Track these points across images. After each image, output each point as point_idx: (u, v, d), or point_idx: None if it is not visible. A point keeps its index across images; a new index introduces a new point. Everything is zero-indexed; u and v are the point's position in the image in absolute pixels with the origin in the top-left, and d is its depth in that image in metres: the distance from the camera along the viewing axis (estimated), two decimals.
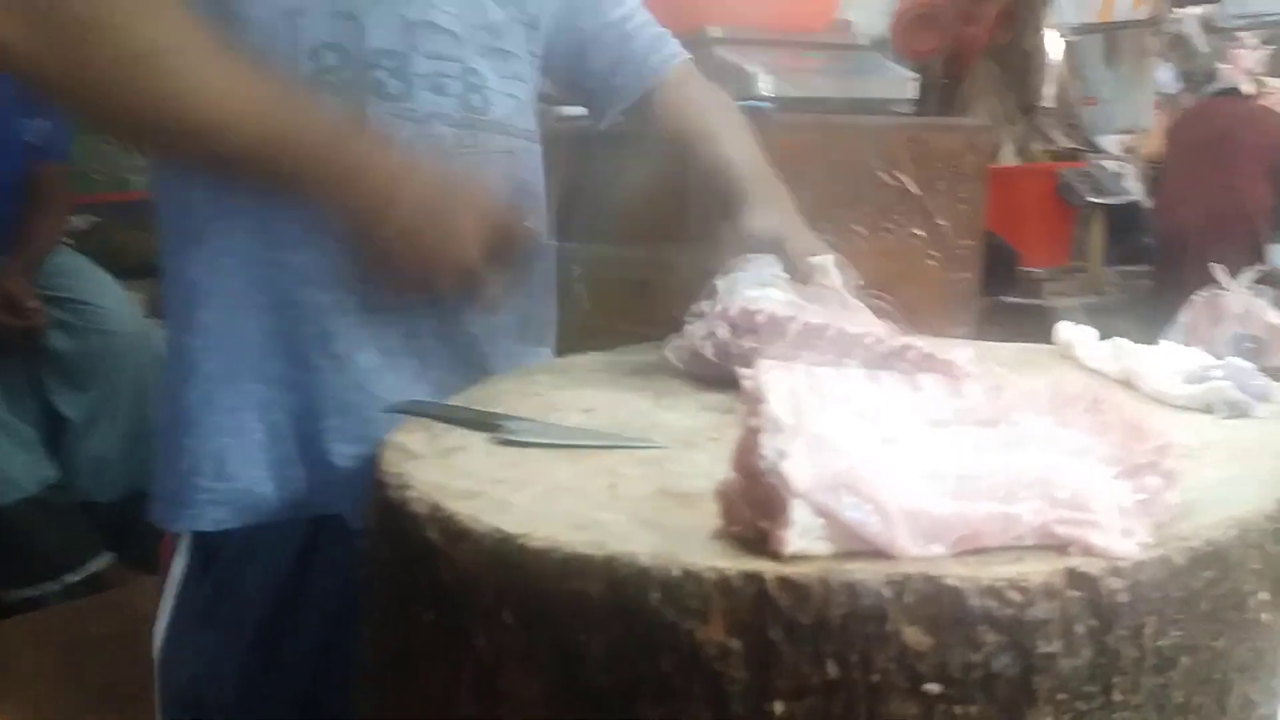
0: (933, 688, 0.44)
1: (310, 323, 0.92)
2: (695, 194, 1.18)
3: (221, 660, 0.96)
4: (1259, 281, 1.99)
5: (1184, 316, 1.96)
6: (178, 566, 0.97)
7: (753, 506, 0.48)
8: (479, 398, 0.81)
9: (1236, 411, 0.66)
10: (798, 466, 0.46)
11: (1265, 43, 5.05)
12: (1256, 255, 3.45)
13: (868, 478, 0.46)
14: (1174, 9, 5.13)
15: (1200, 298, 1.95)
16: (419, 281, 0.86)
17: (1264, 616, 0.52)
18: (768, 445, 0.47)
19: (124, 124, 0.85)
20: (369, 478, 0.66)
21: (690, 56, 1.20)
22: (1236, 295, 1.91)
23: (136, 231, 2.32)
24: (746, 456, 0.48)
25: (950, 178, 1.82)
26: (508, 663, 0.52)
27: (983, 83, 5.12)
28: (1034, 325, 3.46)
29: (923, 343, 0.65)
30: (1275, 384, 0.67)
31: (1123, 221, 4.03)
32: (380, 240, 0.84)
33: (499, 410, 0.77)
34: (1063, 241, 3.67)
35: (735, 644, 0.46)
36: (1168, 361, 0.72)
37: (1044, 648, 0.44)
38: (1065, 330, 0.85)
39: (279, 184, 0.83)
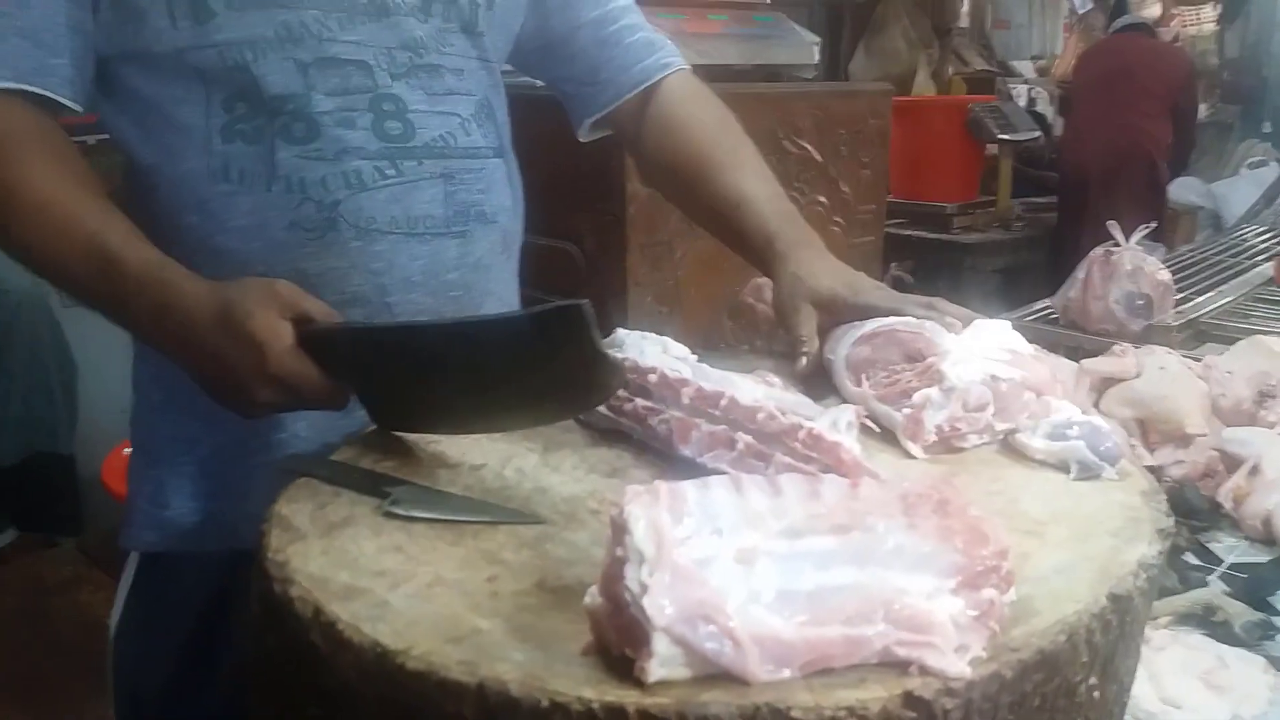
0: None
1: None
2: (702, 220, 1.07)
3: (158, 664, 1.02)
4: (1150, 237, 2.07)
5: (1080, 272, 2.04)
6: (128, 570, 1.04)
7: (618, 632, 0.50)
8: (374, 442, 0.82)
9: (1088, 473, 0.70)
10: (658, 600, 0.48)
11: None
12: (1156, 193, 3.56)
13: (723, 607, 0.49)
14: None
15: (1095, 254, 2.03)
16: (248, 411, 0.84)
17: (1094, 695, 0.57)
18: (631, 578, 0.49)
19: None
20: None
21: (688, 67, 1.11)
22: (1129, 253, 1.99)
23: None
24: (612, 586, 0.50)
25: (853, 143, 1.84)
26: None
27: (898, 4, 5.13)
28: (944, 260, 3.54)
29: (812, 423, 0.67)
30: (1123, 447, 0.71)
31: (1033, 153, 4.11)
32: (194, 379, 0.84)
33: (391, 463, 0.78)
34: (973, 176, 3.73)
35: None
36: (1037, 416, 0.76)
37: None
38: None
39: (116, 321, 0.87)
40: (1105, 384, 1.59)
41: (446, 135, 0.97)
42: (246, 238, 0.91)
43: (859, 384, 0.83)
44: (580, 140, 1.13)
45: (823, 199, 1.82)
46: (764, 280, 1.12)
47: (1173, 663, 1.09)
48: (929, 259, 3.56)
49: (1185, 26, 5.14)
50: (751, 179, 1.02)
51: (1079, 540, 0.62)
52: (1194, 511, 1.34)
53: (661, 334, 0.87)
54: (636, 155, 1.12)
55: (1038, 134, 3.65)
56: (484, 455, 0.78)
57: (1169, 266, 2.05)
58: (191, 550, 0.99)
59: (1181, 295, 2.10)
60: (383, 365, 0.79)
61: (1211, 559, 1.27)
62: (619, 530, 0.51)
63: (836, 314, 0.91)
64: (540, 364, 0.70)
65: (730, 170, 1.02)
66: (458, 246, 0.98)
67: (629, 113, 1.09)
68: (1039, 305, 2.17)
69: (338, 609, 0.57)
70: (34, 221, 0.84)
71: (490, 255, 1.02)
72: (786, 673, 0.49)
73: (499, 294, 1.06)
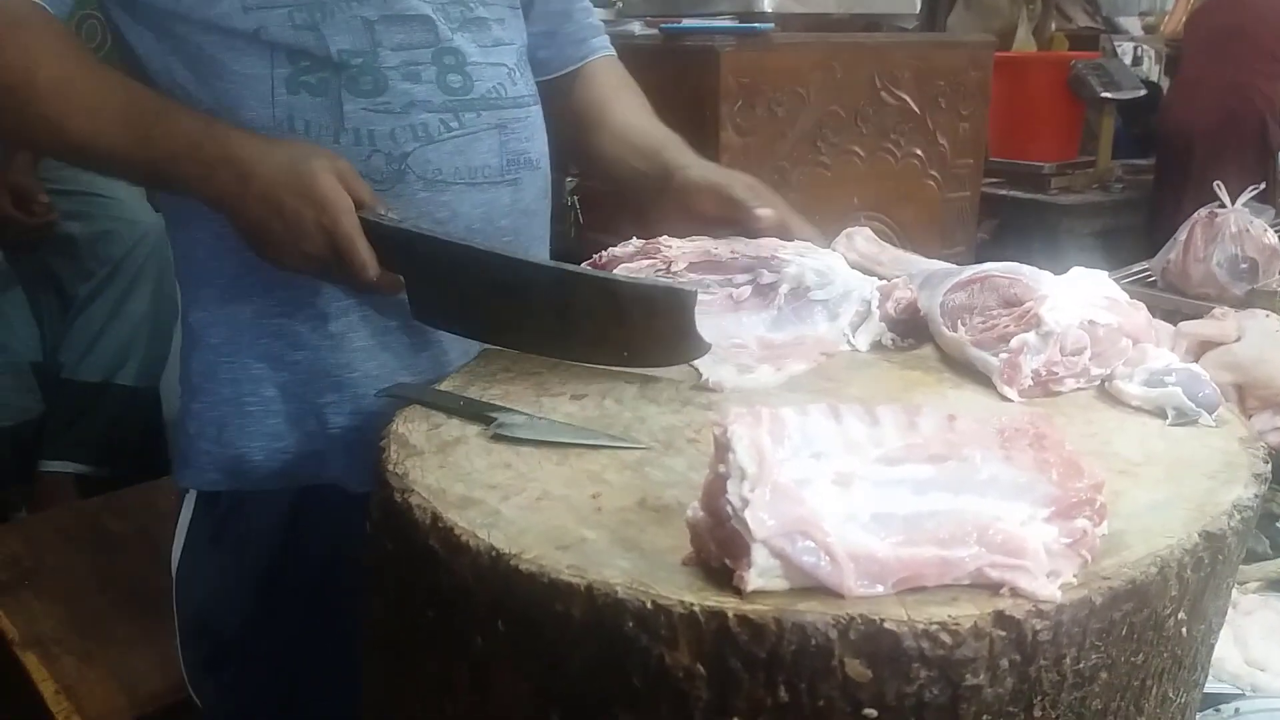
0: (870, 712, 0.50)
1: (305, 305, 0.96)
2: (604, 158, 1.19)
3: (226, 597, 1.04)
4: (1258, 199, 2.00)
5: (1181, 234, 1.99)
6: (186, 508, 1.05)
7: (718, 544, 0.53)
8: (480, 372, 0.86)
9: (1184, 419, 0.70)
10: (759, 514, 0.51)
11: None
12: (1266, 156, 3.41)
13: (821, 523, 0.51)
14: None
15: (1199, 215, 1.97)
16: (287, 262, 0.88)
17: (1183, 630, 0.58)
18: (733, 492, 0.52)
19: (13, 140, 0.91)
20: (365, 450, 0.72)
21: (614, 54, 1.22)
22: (1235, 214, 1.92)
23: None
24: (714, 500, 0.53)
25: (952, 95, 1.81)
26: (500, 663, 0.58)
27: None
28: (1040, 220, 3.46)
29: None
30: (1220, 396, 0.71)
31: (1137, 111, 3.96)
32: (240, 226, 0.87)
33: (496, 391, 0.81)
34: (1072, 135, 3.62)
35: (699, 668, 0.51)
36: (1134, 362, 0.76)
37: (970, 680, 0.50)
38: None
39: (150, 182, 0.90)
40: (1203, 348, 1.55)
41: (498, 86, 1.01)
42: None
43: (955, 329, 0.84)
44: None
45: (919, 152, 1.80)
46: (853, 229, 1.14)
47: (1260, 626, 1.09)
48: (1024, 219, 3.48)
49: None
50: (643, 117, 1.14)
51: (1173, 481, 0.63)
52: None
53: None
54: (557, 117, 1.16)
55: (1143, 91, 3.51)
56: (584, 386, 0.81)
57: (1276, 230, 1.98)
58: (256, 489, 1.01)
59: None
60: (452, 279, 0.86)
61: None
62: (722, 448, 0.54)
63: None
64: (627, 323, 0.80)
65: (630, 111, 1.15)
66: (510, 194, 1.02)
67: (566, 78, 1.17)
68: (1136, 268, 2.11)
69: (454, 516, 0.60)
70: (58, 97, 0.85)
71: (536, 201, 1.07)
72: (880, 589, 0.51)
73: (541, 237, 1.10)
